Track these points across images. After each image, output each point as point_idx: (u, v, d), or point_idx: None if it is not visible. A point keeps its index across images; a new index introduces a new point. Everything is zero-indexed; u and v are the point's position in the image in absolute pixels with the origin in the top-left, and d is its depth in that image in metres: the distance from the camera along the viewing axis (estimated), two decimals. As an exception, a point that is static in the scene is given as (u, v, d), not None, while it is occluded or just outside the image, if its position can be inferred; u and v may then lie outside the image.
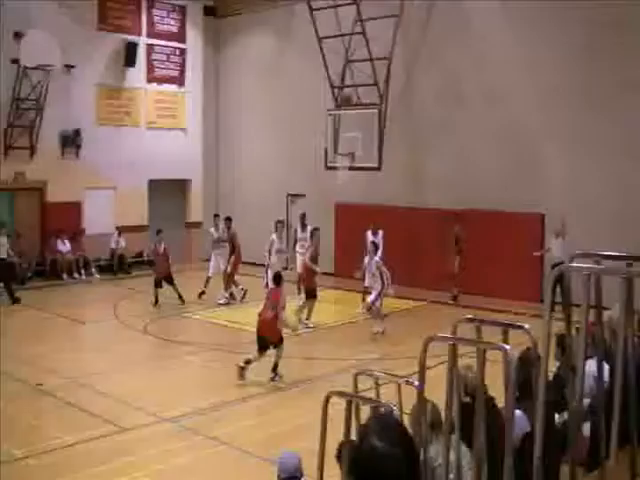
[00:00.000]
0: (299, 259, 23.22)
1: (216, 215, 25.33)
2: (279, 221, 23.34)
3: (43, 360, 16.92)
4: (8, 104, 26.58)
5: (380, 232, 22.49)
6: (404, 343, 18.01)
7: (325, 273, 27.52)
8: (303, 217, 24.31)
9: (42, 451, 11.75)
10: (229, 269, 23.38)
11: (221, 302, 23.19)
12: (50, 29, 26.73)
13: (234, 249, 23.60)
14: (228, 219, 24.19)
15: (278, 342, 15.44)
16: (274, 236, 22.49)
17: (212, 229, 24.55)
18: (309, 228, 23.26)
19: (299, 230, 24.16)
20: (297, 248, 23.79)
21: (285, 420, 13.25)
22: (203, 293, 23.76)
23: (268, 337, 15.35)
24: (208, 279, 23.83)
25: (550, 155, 22.86)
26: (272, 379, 15.41)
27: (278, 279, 15.97)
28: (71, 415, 13.50)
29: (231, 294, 23.61)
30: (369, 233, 22.46)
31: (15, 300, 23.42)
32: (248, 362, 15.39)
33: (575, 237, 20.32)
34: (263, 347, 15.46)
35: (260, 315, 15.61)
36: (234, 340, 19.24)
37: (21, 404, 14.05)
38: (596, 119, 21.91)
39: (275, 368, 15.45)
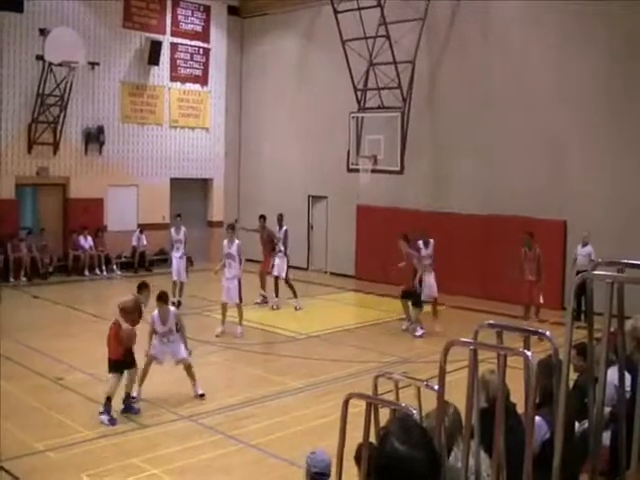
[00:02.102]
0: (277, 259, 23.07)
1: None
2: (229, 225, 21.54)
3: (64, 355, 17.01)
4: (33, 100, 26.78)
5: (432, 241, 20.69)
6: (424, 347, 18.03)
7: (346, 275, 27.58)
8: (280, 218, 23.53)
9: (63, 445, 11.83)
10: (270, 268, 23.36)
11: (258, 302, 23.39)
12: (75, 26, 27.04)
13: (273, 248, 23.41)
14: (262, 217, 24.02)
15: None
16: (225, 242, 20.45)
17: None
18: (284, 229, 23.16)
19: (276, 231, 23.43)
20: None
21: (305, 421, 13.27)
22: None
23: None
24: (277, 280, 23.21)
25: (576, 161, 22.76)
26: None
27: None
28: (92, 410, 13.53)
29: (264, 296, 23.65)
30: (420, 244, 20.55)
31: None
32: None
33: (599, 245, 20.25)
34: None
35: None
36: (256, 339, 19.28)
37: (42, 398, 14.13)
38: (625, 125, 21.82)
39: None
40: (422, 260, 19.96)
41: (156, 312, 14.46)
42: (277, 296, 22.96)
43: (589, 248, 21.12)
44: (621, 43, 21.73)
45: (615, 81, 21.92)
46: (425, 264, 20.03)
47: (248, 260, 22.09)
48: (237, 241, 20.02)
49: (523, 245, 19.80)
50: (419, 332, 19.75)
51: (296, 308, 22.72)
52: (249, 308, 21.71)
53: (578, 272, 21.01)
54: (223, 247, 20.10)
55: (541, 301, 19.50)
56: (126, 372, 13.63)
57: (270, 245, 23.44)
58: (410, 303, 20.16)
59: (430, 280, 20.18)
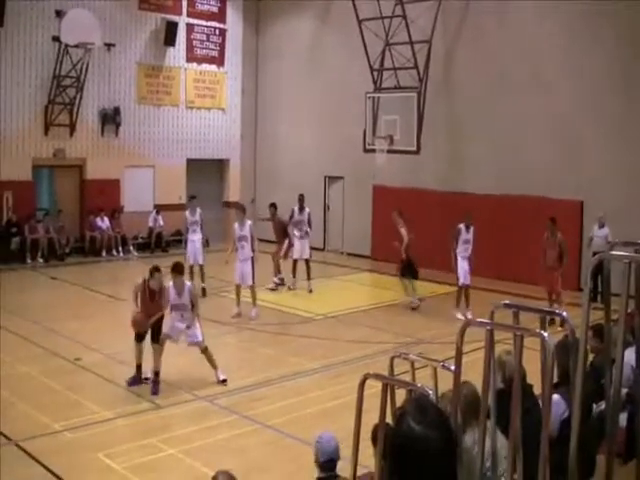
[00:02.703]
0: (297, 242, 22.95)
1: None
2: (238, 207, 21.47)
3: (81, 336, 17.07)
4: (49, 81, 26.82)
5: (472, 227, 20.00)
6: (441, 328, 18.01)
7: (362, 256, 27.57)
8: (301, 199, 23.41)
9: (80, 425, 11.90)
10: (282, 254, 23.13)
11: (271, 287, 23.00)
12: (91, 8, 27.02)
13: (286, 234, 23.27)
14: (273, 205, 23.98)
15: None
16: (236, 225, 20.13)
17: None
18: (307, 210, 23.11)
19: (296, 212, 23.24)
20: (294, 231, 23.06)
21: (320, 401, 13.29)
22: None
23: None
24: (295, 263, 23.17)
25: (592, 141, 22.63)
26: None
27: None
28: (109, 391, 13.64)
29: (282, 279, 23.43)
30: (462, 227, 19.88)
31: None
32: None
33: (617, 225, 20.16)
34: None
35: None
36: (272, 320, 19.31)
37: (60, 379, 14.19)
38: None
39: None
40: (459, 244, 19.78)
41: (171, 283, 14.37)
42: (294, 276, 22.93)
43: (605, 230, 21.00)
44: (634, 32, 21.56)
45: (631, 60, 21.77)
46: (462, 248, 19.79)
47: (262, 240, 22.06)
48: (249, 222, 19.81)
49: (546, 230, 19.37)
50: (415, 303, 20.58)
51: (310, 290, 22.67)
52: (264, 290, 21.74)
53: (594, 254, 21.11)
54: (234, 230, 19.84)
55: (560, 289, 19.02)
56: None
57: (282, 232, 23.27)
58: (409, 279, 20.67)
59: (464, 266, 19.77)
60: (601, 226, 21.23)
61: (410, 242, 20.60)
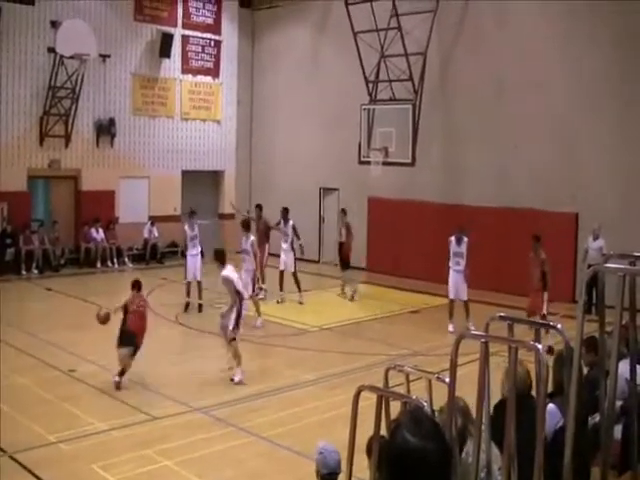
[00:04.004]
0: (282, 254, 23.05)
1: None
2: (244, 222, 21.71)
3: (75, 347, 17.05)
4: (44, 92, 26.86)
5: (465, 240, 19.80)
6: (435, 340, 18.03)
7: (357, 268, 27.56)
8: (285, 211, 23.48)
9: (75, 436, 11.87)
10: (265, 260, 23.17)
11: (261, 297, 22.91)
12: (86, 19, 27.10)
13: (268, 238, 23.46)
14: (258, 207, 24.10)
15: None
16: (243, 239, 20.88)
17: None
18: (290, 223, 23.14)
19: (282, 224, 23.30)
20: (282, 242, 23.19)
21: (316, 413, 13.29)
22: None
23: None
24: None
25: (589, 153, 22.66)
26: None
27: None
28: (104, 402, 13.63)
29: (260, 288, 23.43)
30: (452, 240, 19.84)
31: None
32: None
33: (612, 237, 20.18)
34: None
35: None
36: (267, 332, 19.30)
37: (54, 390, 14.17)
38: (637, 120, 21.73)
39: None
40: (451, 258, 19.66)
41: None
42: (282, 290, 22.93)
43: (600, 242, 20.99)
44: (635, 28, 21.63)
45: (630, 70, 21.82)
46: (452, 262, 19.66)
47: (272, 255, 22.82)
48: (252, 237, 20.59)
49: (531, 249, 18.69)
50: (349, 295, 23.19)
51: (300, 302, 22.64)
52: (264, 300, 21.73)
53: (589, 266, 21.02)
54: (241, 244, 20.73)
55: (544, 312, 17.88)
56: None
57: (265, 236, 23.35)
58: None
59: (454, 279, 19.61)
60: (595, 238, 21.23)
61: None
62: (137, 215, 29.76)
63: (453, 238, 19.75)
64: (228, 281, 15.23)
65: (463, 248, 19.63)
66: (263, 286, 23.20)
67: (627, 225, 21.03)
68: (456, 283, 19.61)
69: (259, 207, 24.10)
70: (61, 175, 28.35)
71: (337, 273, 25.90)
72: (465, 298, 19.58)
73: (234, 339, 14.94)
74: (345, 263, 24.34)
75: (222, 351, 17.23)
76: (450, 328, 19.18)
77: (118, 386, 14.24)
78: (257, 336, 18.68)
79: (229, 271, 15.47)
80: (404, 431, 3.06)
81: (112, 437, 12.01)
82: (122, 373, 14.36)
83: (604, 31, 22.16)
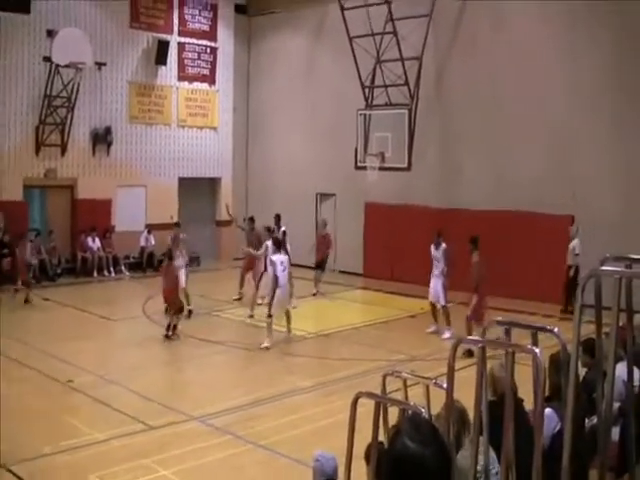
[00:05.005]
0: None
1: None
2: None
3: (73, 357, 16.99)
4: (40, 101, 26.81)
5: (443, 245, 19.78)
6: (433, 344, 18.00)
7: (354, 273, 27.55)
8: (278, 218, 23.89)
9: (72, 447, 11.80)
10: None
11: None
12: (82, 27, 27.08)
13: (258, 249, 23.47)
14: (251, 219, 24.17)
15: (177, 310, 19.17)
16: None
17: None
18: (282, 229, 23.33)
19: (275, 231, 23.29)
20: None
21: (314, 420, 13.24)
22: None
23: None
24: None
25: (585, 156, 22.67)
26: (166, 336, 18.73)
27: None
28: (101, 412, 13.58)
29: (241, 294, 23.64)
30: (431, 245, 20.00)
31: None
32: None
33: (608, 240, 20.16)
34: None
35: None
36: (263, 338, 19.26)
37: (51, 401, 14.13)
38: (635, 122, 21.75)
39: (169, 327, 18.95)
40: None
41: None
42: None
43: (574, 242, 21.82)
44: (629, 35, 21.67)
45: (624, 76, 21.84)
46: (432, 267, 19.73)
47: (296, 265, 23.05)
48: (266, 243, 21.08)
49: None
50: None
51: (293, 307, 22.66)
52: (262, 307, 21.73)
53: (569, 266, 21.32)
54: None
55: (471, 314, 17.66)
56: None
57: (257, 247, 23.40)
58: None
59: (432, 283, 19.60)
60: (572, 239, 21.95)
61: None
62: (134, 223, 29.68)
63: (432, 244, 19.89)
64: (272, 264, 18.61)
65: (440, 253, 19.63)
66: (241, 291, 23.62)
67: (625, 227, 21.01)
68: (434, 287, 19.61)
69: (251, 219, 24.18)
70: (57, 184, 28.29)
71: (334, 278, 25.95)
72: (442, 303, 19.50)
73: (269, 315, 18.32)
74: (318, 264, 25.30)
75: (218, 358, 17.32)
76: (430, 329, 19.56)
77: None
78: (254, 342, 18.66)
79: (276, 256, 18.79)
80: (404, 437, 3.04)
81: (110, 447, 11.95)
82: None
83: (602, 33, 22.17)
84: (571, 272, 21.87)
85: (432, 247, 19.84)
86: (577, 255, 21.82)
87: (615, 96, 22.05)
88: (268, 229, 22.59)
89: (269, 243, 20.64)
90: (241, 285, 23.73)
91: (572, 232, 22.08)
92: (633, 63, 21.70)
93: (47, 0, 27.05)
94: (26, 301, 23.16)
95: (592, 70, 22.42)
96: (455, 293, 19.95)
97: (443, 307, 19.51)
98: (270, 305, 18.43)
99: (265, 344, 18.04)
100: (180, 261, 20.98)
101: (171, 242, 21.93)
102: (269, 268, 19.14)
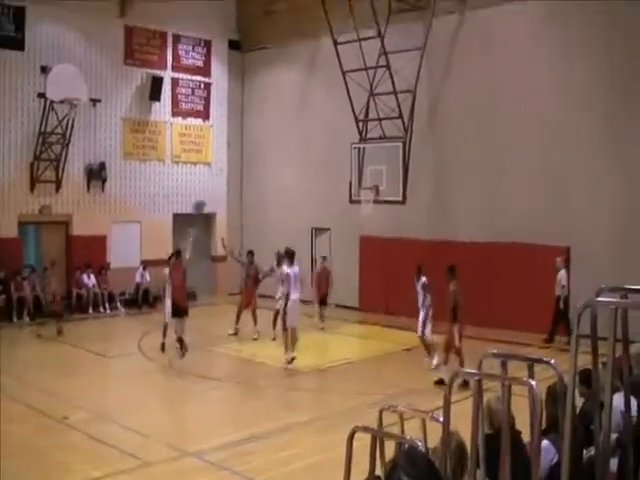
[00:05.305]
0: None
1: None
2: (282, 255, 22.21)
3: (68, 393, 16.92)
4: (34, 138, 26.86)
5: (423, 279, 19.82)
6: (429, 377, 17.92)
7: (350, 307, 27.54)
8: (280, 255, 23.70)
9: (67, 485, 11.73)
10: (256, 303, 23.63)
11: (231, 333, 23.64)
12: (76, 63, 27.16)
13: (256, 282, 23.71)
14: (250, 253, 24.22)
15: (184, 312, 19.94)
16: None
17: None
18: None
19: (275, 267, 23.30)
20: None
21: (310, 455, 13.16)
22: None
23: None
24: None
25: (579, 187, 22.74)
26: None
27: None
28: (96, 449, 13.48)
29: (237, 330, 23.71)
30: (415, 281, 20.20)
31: None
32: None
33: (603, 270, 20.18)
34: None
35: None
36: (258, 374, 19.22)
37: (46, 437, 14.03)
38: (629, 150, 21.83)
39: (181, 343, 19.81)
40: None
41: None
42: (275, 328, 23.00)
43: (560, 274, 22.04)
44: (622, 62, 21.76)
45: (616, 102, 21.95)
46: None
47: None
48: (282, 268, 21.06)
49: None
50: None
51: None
52: (243, 340, 21.67)
53: (558, 297, 21.57)
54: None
55: (457, 345, 17.76)
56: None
57: (255, 281, 23.81)
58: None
59: (419, 317, 19.65)
60: (558, 270, 22.12)
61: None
62: (129, 260, 29.65)
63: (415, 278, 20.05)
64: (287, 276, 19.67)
65: (419, 286, 19.73)
66: (237, 326, 23.72)
67: (619, 258, 21.06)
68: (419, 320, 19.64)
69: (251, 253, 24.24)
70: (52, 220, 28.29)
71: (330, 312, 25.92)
72: (419, 334, 19.56)
73: (285, 329, 19.56)
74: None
75: (214, 394, 17.25)
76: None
77: None
78: (250, 378, 18.62)
79: (290, 269, 19.86)
80: (400, 472, 3.03)
81: (105, 484, 11.88)
82: None
83: (597, 62, 22.26)
84: (561, 304, 21.95)
85: (415, 281, 19.96)
86: (563, 287, 21.92)
87: (609, 120, 22.15)
88: (279, 254, 22.77)
89: (281, 266, 21.11)
90: (237, 320, 23.67)
91: (557, 263, 22.15)
92: (628, 86, 21.79)
93: (41, 35, 27.20)
94: (59, 332, 23.84)
95: (587, 92, 22.54)
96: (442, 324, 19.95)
97: (420, 337, 19.60)
98: (284, 319, 19.64)
99: (291, 355, 19.41)
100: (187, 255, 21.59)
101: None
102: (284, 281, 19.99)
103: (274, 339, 22.56)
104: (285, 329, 19.80)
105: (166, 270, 21.75)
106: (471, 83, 25.27)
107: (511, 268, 23.74)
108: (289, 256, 20.49)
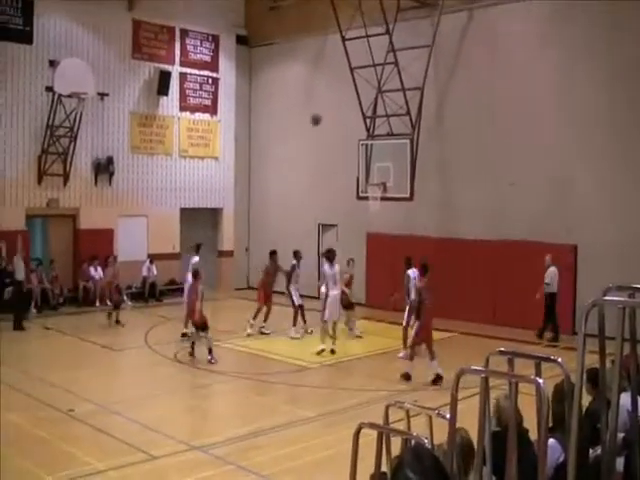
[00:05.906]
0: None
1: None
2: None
3: (74, 386, 16.93)
4: (42, 131, 26.87)
5: (407, 272, 20.91)
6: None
7: (357, 304, 27.49)
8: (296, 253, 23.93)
9: (73, 477, 11.71)
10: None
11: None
12: (84, 57, 27.17)
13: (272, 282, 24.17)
14: (274, 253, 24.30)
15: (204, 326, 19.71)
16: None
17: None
18: (292, 262, 23.61)
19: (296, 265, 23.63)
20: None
21: (316, 451, 13.15)
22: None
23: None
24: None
25: (586, 185, 22.72)
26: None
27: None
28: (102, 442, 13.49)
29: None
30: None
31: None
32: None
33: (610, 269, 20.17)
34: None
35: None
36: (265, 369, 19.22)
37: (53, 430, 14.04)
38: (632, 145, 21.81)
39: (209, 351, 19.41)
40: None
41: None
42: (305, 322, 23.44)
43: (550, 270, 22.15)
44: (625, 63, 21.75)
45: (620, 102, 21.96)
46: None
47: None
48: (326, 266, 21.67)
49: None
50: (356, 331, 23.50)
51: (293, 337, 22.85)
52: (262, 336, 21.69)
53: (547, 294, 21.82)
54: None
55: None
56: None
57: (273, 279, 24.04)
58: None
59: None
60: (547, 267, 22.23)
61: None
62: (136, 253, 29.67)
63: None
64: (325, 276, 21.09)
65: (406, 281, 20.71)
66: (255, 323, 23.51)
67: (626, 257, 21.03)
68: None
69: (274, 252, 24.31)
70: (59, 214, 28.33)
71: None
72: (404, 324, 20.17)
73: (324, 321, 20.68)
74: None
75: (220, 388, 17.27)
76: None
77: None
78: (256, 373, 18.62)
79: (328, 268, 21.17)
80: (406, 469, 3.03)
81: (110, 477, 11.85)
82: None
83: (601, 62, 22.30)
84: (548, 300, 22.05)
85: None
86: (548, 285, 21.92)
87: (610, 125, 22.13)
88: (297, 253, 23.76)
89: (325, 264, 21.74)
90: (256, 317, 23.47)
91: (547, 261, 22.14)
92: (631, 93, 21.77)
93: (49, 29, 27.24)
94: (117, 321, 24.65)
95: (591, 95, 22.53)
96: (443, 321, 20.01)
97: (403, 328, 20.14)
98: (323, 313, 20.71)
99: (321, 347, 20.42)
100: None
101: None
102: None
103: (311, 332, 23.11)
104: (324, 321, 20.74)
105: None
106: (478, 80, 25.25)
107: (518, 266, 23.71)
108: (330, 257, 21.49)
